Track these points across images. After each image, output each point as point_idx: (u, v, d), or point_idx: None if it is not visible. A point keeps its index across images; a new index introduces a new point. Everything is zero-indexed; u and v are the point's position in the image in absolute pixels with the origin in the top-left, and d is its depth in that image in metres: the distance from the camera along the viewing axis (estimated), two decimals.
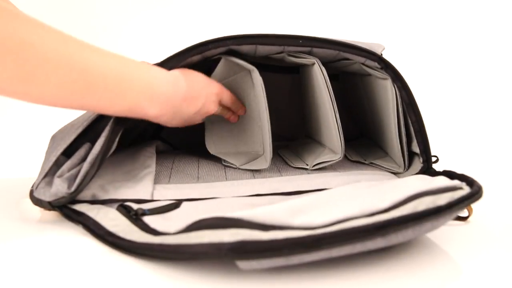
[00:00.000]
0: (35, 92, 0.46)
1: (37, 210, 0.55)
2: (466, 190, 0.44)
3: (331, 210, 0.41)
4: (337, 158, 0.65)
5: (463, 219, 0.53)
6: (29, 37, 0.45)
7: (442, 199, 0.42)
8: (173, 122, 0.60)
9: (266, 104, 0.63)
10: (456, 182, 0.47)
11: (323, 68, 0.63)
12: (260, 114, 0.66)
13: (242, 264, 0.38)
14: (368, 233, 0.37)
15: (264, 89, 0.62)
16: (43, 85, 0.46)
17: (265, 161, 0.67)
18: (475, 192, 0.43)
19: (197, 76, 0.61)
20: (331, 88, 0.63)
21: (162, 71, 0.56)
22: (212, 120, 0.70)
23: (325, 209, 0.42)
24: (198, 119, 0.64)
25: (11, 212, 0.56)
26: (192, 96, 0.59)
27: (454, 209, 0.41)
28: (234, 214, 0.40)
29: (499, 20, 1.14)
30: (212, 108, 0.64)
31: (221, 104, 0.66)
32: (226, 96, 0.65)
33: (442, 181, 0.48)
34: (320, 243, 0.37)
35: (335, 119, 0.63)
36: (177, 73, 0.58)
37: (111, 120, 0.53)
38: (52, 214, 0.54)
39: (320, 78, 0.63)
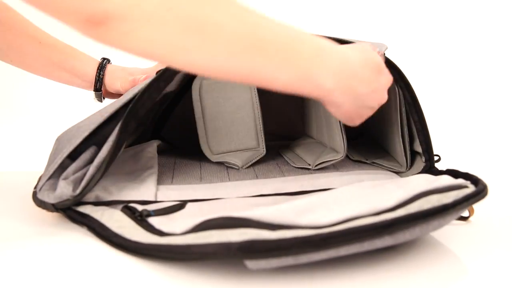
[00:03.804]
0: (206, 47, 0.43)
1: None
2: (471, 188, 0.45)
3: (338, 209, 0.41)
4: (339, 158, 0.66)
5: (464, 219, 0.53)
6: None
7: (448, 198, 0.42)
8: (345, 107, 0.50)
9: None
10: (461, 181, 0.47)
11: None
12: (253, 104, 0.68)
13: (251, 263, 0.38)
14: (376, 232, 0.38)
15: None
16: (215, 37, 0.42)
17: (262, 150, 0.69)
18: (480, 190, 0.44)
19: (364, 46, 0.53)
20: None
21: (327, 40, 0.49)
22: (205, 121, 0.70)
23: (331, 208, 0.42)
24: (368, 112, 0.54)
25: (14, 212, 0.56)
26: (370, 67, 0.50)
27: (460, 207, 0.41)
28: (242, 214, 0.40)
29: (501, 20, 1.14)
30: (384, 94, 0.54)
31: None
32: None
33: (447, 180, 0.48)
34: (328, 242, 0.37)
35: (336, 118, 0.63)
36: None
37: (120, 124, 0.53)
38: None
39: None
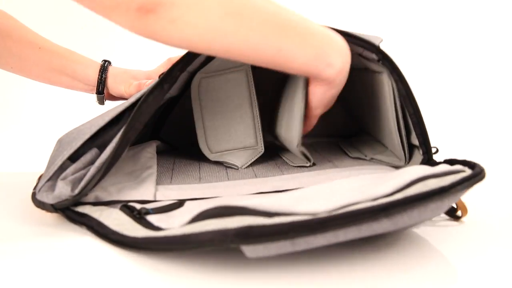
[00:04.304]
0: (242, 31, 0.48)
1: None
2: (468, 172, 0.45)
3: (335, 198, 0.41)
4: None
5: (457, 218, 0.53)
6: None
7: (445, 181, 0.42)
8: (335, 90, 0.57)
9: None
10: (458, 167, 0.47)
11: None
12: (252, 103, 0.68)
13: (248, 250, 0.38)
14: (373, 214, 0.37)
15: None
16: (250, 21, 0.48)
17: (261, 149, 0.69)
18: (477, 173, 0.44)
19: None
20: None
21: None
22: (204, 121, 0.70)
23: (328, 197, 0.42)
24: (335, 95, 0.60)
25: (14, 213, 0.56)
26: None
27: (458, 189, 0.41)
28: (238, 202, 0.40)
29: (494, 13, 1.15)
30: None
31: None
32: None
33: (444, 167, 0.48)
34: (325, 225, 0.37)
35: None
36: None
37: (125, 126, 0.53)
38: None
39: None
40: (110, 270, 0.41)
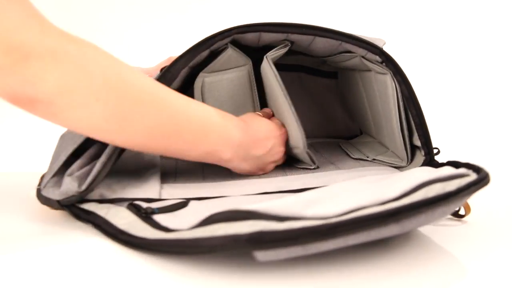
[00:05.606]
0: (128, 133, 0.49)
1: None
2: (473, 176, 0.45)
3: (343, 201, 0.42)
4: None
5: (460, 216, 0.54)
6: (130, 79, 0.48)
7: (451, 186, 0.42)
8: (242, 167, 0.61)
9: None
10: (462, 170, 0.48)
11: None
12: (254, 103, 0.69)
13: (260, 255, 0.38)
14: (382, 220, 0.38)
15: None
16: (137, 125, 0.48)
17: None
18: (483, 177, 0.44)
19: (261, 120, 0.64)
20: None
21: (233, 117, 0.60)
22: None
23: (336, 200, 0.43)
24: (271, 166, 0.65)
25: (18, 210, 0.56)
26: (259, 138, 0.61)
27: (464, 194, 0.41)
28: (248, 207, 0.40)
29: (495, 15, 1.16)
30: (282, 149, 0.65)
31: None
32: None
33: (448, 170, 0.48)
34: (335, 231, 0.37)
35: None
36: (244, 117, 0.62)
37: None
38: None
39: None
40: (117, 268, 0.42)
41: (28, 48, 0.42)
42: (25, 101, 0.44)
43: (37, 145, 0.96)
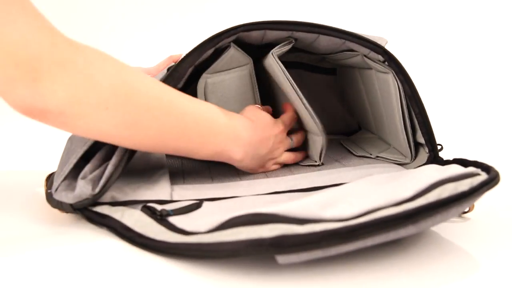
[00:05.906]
0: (137, 137, 0.50)
1: None
2: (483, 175, 0.46)
3: (357, 202, 0.42)
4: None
5: (464, 212, 0.55)
6: (137, 85, 0.49)
7: (464, 185, 0.43)
8: (250, 166, 0.63)
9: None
10: (472, 169, 0.49)
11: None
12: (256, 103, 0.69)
13: (282, 258, 0.39)
14: (400, 221, 0.39)
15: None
16: (146, 130, 0.50)
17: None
18: (493, 177, 0.45)
19: (264, 116, 0.64)
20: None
21: (240, 117, 0.61)
22: None
23: (351, 201, 0.43)
24: (270, 163, 0.66)
25: (26, 209, 0.57)
26: (264, 137, 0.62)
27: (477, 194, 0.43)
28: (268, 209, 0.41)
29: (497, 14, 1.17)
30: (283, 145, 0.66)
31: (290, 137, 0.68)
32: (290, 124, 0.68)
33: (457, 169, 0.49)
34: (356, 234, 0.38)
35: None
36: (249, 114, 0.63)
37: None
38: None
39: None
40: (140, 270, 0.42)
41: (38, 61, 0.43)
42: (36, 112, 0.45)
43: (37, 145, 0.95)
